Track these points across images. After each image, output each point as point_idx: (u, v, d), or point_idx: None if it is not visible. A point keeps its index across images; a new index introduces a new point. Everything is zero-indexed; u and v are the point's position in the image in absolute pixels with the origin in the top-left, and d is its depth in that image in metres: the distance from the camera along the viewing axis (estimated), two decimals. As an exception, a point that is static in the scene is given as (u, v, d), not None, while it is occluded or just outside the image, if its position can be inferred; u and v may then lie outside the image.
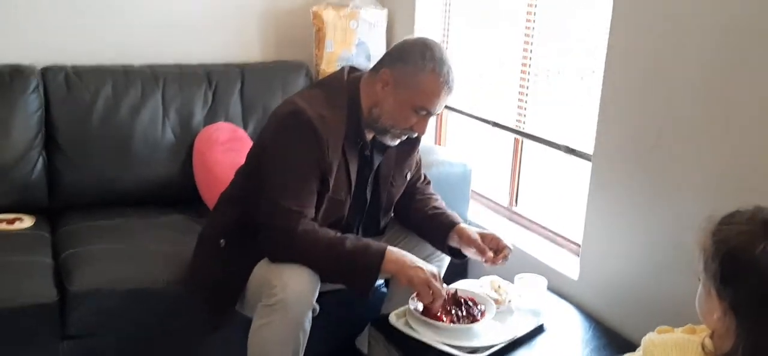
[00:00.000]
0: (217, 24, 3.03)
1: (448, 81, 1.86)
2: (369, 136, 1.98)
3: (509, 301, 1.95)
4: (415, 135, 1.99)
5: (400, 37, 2.96)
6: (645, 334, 1.80)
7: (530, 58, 2.48)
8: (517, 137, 2.56)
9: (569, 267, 2.21)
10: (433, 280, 1.81)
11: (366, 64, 3.04)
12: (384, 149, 2.03)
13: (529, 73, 2.48)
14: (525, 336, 1.86)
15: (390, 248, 1.85)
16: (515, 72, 2.54)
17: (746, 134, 1.63)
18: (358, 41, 3.01)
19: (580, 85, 2.31)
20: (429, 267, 1.85)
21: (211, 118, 2.77)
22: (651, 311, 1.88)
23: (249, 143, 2.72)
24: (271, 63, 3.04)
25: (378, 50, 3.05)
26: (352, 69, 2.02)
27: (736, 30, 1.62)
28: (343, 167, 1.92)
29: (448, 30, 2.97)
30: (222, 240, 2.01)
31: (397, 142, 1.99)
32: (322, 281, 1.87)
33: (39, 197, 2.53)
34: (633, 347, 1.83)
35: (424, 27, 2.95)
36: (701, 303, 1.20)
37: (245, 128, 2.83)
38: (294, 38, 3.16)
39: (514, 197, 2.62)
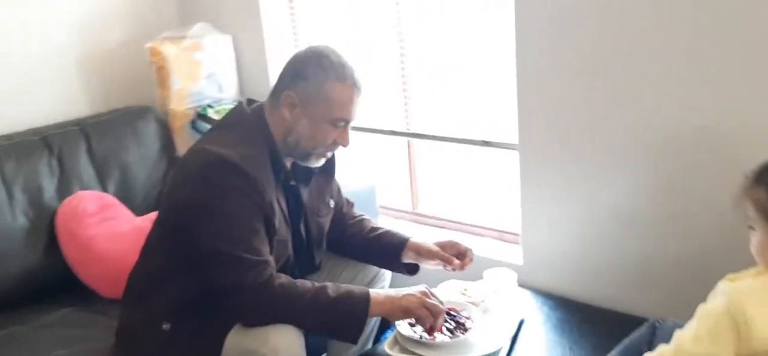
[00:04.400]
0: (37, 80, 2.61)
1: (355, 83, 1.78)
2: (287, 166, 1.86)
3: (482, 301, 1.96)
4: (340, 147, 1.86)
5: (250, 63, 2.86)
6: (600, 297, 1.98)
7: (404, 59, 2.50)
8: (409, 139, 2.57)
9: (505, 254, 2.29)
10: (428, 300, 1.76)
11: (219, 95, 2.83)
12: (307, 180, 1.92)
13: (406, 74, 2.51)
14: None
15: (371, 290, 1.75)
16: (395, 76, 2.54)
17: (670, 100, 1.80)
18: (207, 73, 2.78)
19: (468, 77, 2.39)
20: (417, 290, 1.79)
21: (64, 189, 2.38)
22: (599, 275, 2.03)
23: (123, 208, 2.41)
24: (110, 113, 2.70)
25: (229, 79, 2.85)
26: (249, 101, 1.89)
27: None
28: (278, 205, 1.79)
29: (298, 45, 2.87)
30: (165, 325, 1.75)
31: (322, 161, 1.88)
32: (306, 333, 1.72)
33: None
34: (601, 312, 1.98)
35: (275, 45, 2.82)
36: (764, 249, 1.31)
37: (105, 191, 2.48)
38: (128, 81, 2.84)
39: (416, 198, 2.63)
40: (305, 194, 1.91)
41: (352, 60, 1.81)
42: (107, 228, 2.28)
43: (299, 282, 1.70)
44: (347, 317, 1.70)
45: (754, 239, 1.33)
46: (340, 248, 2.08)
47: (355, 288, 1.75)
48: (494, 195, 2.61)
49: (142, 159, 2.63)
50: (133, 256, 2.18)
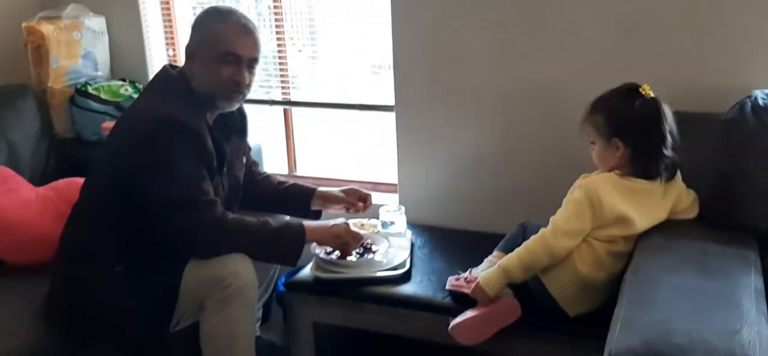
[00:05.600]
0: None
1: (239, 21, 1.99)
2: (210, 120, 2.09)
3: (378, 231, 2.39)
4: (244, 88, 2.02)
5: (126, 44, 3.03)
6: (467, 222, 2.51)
7: (284, 33, 2.85)
8: (287, 107, 2.92)
9: (384, 201, 2.72)
10: (350, 228, 2.16)
11: (94, 73, 2.96)
12: (227, 137, 2.18)
13: (285, 47, 2.86)
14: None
15: (304, 221, 2.10)
16: (272, 49, 2.88)
17: (511, 62, 2.37)
18: (84, 52, 2.89)
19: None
20: (337, 222, 2.17)
21: (-45, 167, 2.41)
22: (465, 205, 2.56)
23: (22, 179, 2.49)
24: (-15, 92, 2.71)
25: (104, 58, 2.98)
26: (171, 66, 2.10)
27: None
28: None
29: (175, 25, 3.08)
30: (119, 267, 1.95)
31: (235, 105, 2.08)
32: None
33: None
34: (470, 233, 2.51)
35: (153, 26, 3.01)
36: (602, 156, 1.86)
37: (-6, 165, 2.53)
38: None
39: (294, 162, 2.98)
40: (226, 148, 2.19)
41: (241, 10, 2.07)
42: (14, 198, 2.35)
43: (245, 216, 2.01)
44: (289, 243, 2.03)
45: (595, 151, 1.90)
46: (251, 202, 2.37)
47: (291, 219, 2.09)
48: (363, 155, 3.05)
49: (26, 137, 2.71)
50: (42, 222, 2.35)
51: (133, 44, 3.00)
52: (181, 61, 3.03)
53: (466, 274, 2.01)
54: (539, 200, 2.26)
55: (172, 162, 1.90)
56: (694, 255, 1.66)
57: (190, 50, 2.02)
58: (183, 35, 3.10)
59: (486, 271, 1.89)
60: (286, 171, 3.01)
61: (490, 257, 2.03)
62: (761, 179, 1.83)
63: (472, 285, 1.89)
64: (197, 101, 2.01)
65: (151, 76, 2.95)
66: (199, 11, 2.13)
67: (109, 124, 2.71)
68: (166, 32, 3.07)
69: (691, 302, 1.45)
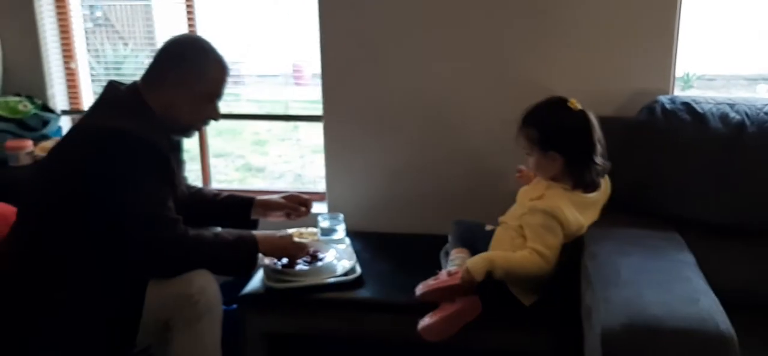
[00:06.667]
0: None
1: (226, 62, 2.09)
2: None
3: (318, 239, 2.45)
4: (211, 121, 2.13)
5: (21, 58, 2.91)
6: (397, 227, 2.66)
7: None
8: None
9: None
10: (295, 239, 2.21)
11: (-13, 92, 2.75)
12: (173, 151, 2.14)
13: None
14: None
15: (254, 232, 2.12)
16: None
17: (431, 80, 2.55)
18: (-25, 66, 2.68)
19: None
20: (282, 233, 2.21)
21: None
22: (395, 210, 2.68)
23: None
24: None
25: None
26: (118, 83, 2.06)
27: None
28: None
29: (73, 37, 2.93)
30: (67, 293, 1.84)
31: (194, 134, 2.16)
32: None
33: None
34: (402, 236, 2.63)
35: (51, 39, 2.86)
36: (541, 166, 2.03)
37: None
38: None
39: (208, 176, 2.93)
40: (173, 165, 2.15)
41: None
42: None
43: (201, 231, 1.99)
44: (244, 256, 2.03)
45: (531, 161, 2.06)
46: (185, 216, 2.34)
47: (241, 232, 2.09)
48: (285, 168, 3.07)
49: None
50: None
51: (29, 58, 2.83)
52: (81, 72, 2.94)
53: (444, 271, 2.07)
54: (467, 201, 2.46)
55: (141, 178, 1.86)
56: (635, 239, 1.91)
57: (176, 78, 1.98)
58: (81, 47, 2.96)
59: (473, 259, 1.98)
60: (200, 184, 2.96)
61: (456, 253, 2.14)
62: (671, 173, 2.12)
63: (457, 275, 1.97)
64: (163, 124, 1.99)
65: (49, 91, 2.88)
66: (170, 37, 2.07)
67: (14, 143, 2.55)
68: (62, 45, 2.91)
69: (650, 279, 1.66)
